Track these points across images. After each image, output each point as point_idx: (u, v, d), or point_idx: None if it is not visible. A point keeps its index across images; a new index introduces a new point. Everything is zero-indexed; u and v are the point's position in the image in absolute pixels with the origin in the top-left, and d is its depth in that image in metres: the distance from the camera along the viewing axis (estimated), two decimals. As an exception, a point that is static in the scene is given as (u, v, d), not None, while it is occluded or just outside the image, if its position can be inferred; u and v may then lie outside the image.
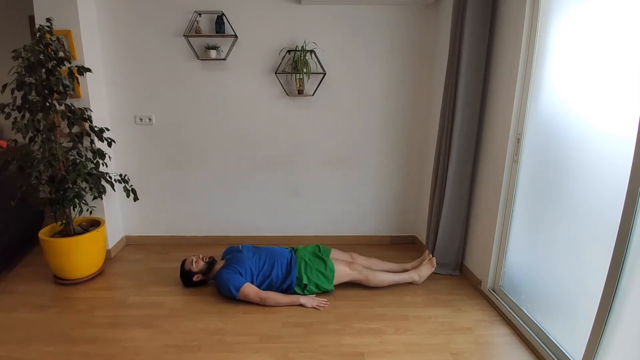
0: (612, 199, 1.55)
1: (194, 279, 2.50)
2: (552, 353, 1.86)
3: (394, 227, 3.39)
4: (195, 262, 2.51)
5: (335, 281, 2.48)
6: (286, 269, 2.46)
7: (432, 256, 2.69)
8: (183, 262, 2.56)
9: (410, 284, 2.62)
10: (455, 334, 2.12)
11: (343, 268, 2.50)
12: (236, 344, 2.02)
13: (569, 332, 1.82)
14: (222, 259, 2.62)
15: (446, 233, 2.72)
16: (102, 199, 2.75)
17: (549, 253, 1.99)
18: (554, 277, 1.95)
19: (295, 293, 2.45)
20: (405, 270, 2.67)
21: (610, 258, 1.51)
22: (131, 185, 2.72)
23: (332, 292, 2.50)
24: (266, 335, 2.09)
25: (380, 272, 2.58)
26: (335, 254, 2.66)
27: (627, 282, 1.47)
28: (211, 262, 2.54)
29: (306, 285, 2.44)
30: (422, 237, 3.21)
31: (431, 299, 2.46)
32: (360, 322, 2.22)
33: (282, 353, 1.95)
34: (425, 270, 2.62)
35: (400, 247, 3.32)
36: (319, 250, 2.61)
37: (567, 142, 1.86)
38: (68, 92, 2.42)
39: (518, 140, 2.19)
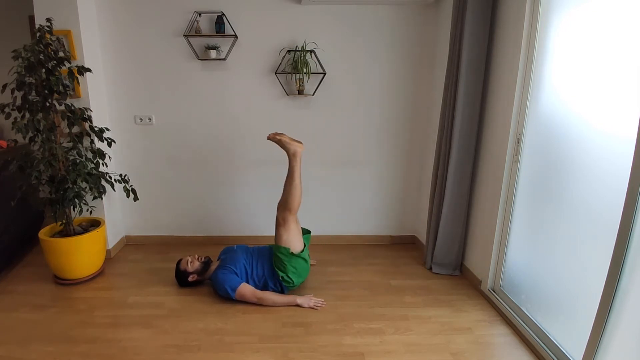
0: (612, 199, 1.55)
1: (189, 279, 2.50)
2: (552, 353, 1.86)
3: (394, 227, 3.39)
4: (191, 262, 2.50)
5: (294, 239, 2.39)
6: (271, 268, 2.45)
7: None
8: (179, 262, 2.56)
9: (410, 283, 2.62)
10: (455, 334, 2.12)
11: (280, 229, 2.42)
12: (236, 344, 2.02)
13: (569, 332, 1.82)
14: (217, 259, 2.62)
15: (446, 233, 2.72)
16: (102, 199, 2.75)
17: (549, 253, 1.99)
18: (554, 277, 1.95)
19: (290, 292, 2.45)
20: None
21: (610, 258, 1.51)
22: (131, 185, 2.72)
23: (332, 292, 2.50)
24: (266, 335, 2.09)
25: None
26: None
27: (627, 282, 1.47)
28: (207, 262, 2.53)
29: (287, 275, 2.39)
30: (422, 237, 3.21)
31: (431, 299, 2.46)
32: (360, 322, 2.22)
33: (282, 353, 1.95)
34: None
35: (400, 247, 3.32)
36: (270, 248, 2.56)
37: (567, 142, 1.86)
38: (68, 92, 2.42)
39: (518, 140, 2.19)
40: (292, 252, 2.39)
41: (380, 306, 2.38)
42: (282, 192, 2.51)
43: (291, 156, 2.47)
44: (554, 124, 1.95)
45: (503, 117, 2.27)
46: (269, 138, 2.51)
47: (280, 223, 2.45)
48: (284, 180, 2.51)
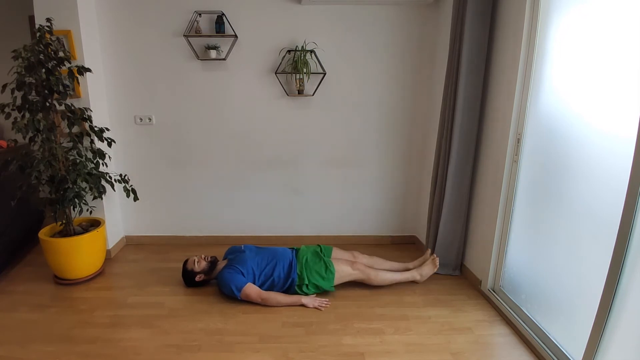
0: (612, 199, 1.55)
1: (197, 278, 2.50)
2: (552, 353, 1.86)
3: (394, 227, 3.39)
4: (198, 262, 2.51)
5: (337, 281, 2.47)
6: (288, 270, 2.46)
7: (435, 255, 2.69)
8: (185, 262, 2.56)
9: (411, 283, 2.62)
10: (455, 334, 2.12)
11: (345, 267, 2.50)
12: (236, 344, 2.02)
13: (569, 332, 1.82)
14: (224, 259, 2.62)
15: (446, 233, 2.72)
16: (102, 199, 2.75)
17: (549, 253, 1.99)
18: (554, 277, 1.95)
19: (296, 293, 2.45)
20: (407, 269, 2.67)
21: (610, 258, 1.51)
22: (131, 185, 2.72)
23: (333, 292, 2.50)
24: (266, 335, 2.09)
25: (383, 271, 2.58)
26: (337, 253, 2.66)
27: (627, 282, 1.47)
28: (213, 262, 2.54)
29: (306, 285, 2.44)
30: (422, 237, 3.21)
31: (431, 299, 2.46)
32: (360, 322, 2.22)
33: (282, 353, 1.95)
34: (427, 269, 2.62)
35: (400, 247, 3.32)
36: (321, 250, 2.61)
37: (567, 142, 1.86)
38: (68, 92, 2.42)
39: (518, 140, 2.19)
40: (333, 276, 2.44)
41: (380, 306, 2.38)
42: (381, 265, 2.68)
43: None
44: (554, 124, 1.95)
45: (503, 117, 2.27)
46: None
47: (353, 264, 2.53)
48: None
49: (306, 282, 2.42)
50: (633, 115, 1.45)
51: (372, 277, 2.51)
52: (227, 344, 2.02)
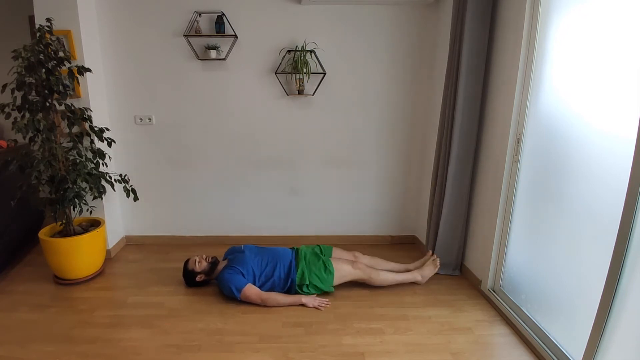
0: (612, 199, 1.55)
1: (197, 279, 2.50)
2: (552, 353, 1.86)
3: (394, 227, 3.39)
4: (198, 262, 2.51)
5: (338, 280, 2.47)
6: (288, 270, 2.46)
7: (436, 256, 2.69)
8: (186, 262, 2.56)
9: (411, 283, 2.62)
10: (455, 334, 2.12)
11: (346, 267, 2.50)
12: (236, 344, 2.02)
13: (569, 332, 1.82)
14: (224, 259, 2.62)
15: (446, 233, 2.72)
16: (102, 199, 2.75)
17: (549, 253, 1.99)
18: (554, 277, 1.95)
19: (297, 293, 2.45)
20: (408, 270, 2.67)
21: (610, 258, 1.51)
22: (131, 185, 2.72)
23: (333, 292, 2.50)
24: (266, 335, 2.09)
25: (383, 271, 2.58)
26: (337, 252, 2.66)
27: (627, 282, 1.47)
28: (214, 262, 2.54)
29: (307, 286, 2.44)
30: (422, 237, 3.21)
31: (431, 299, 2.46)
32: (360, 322, 2.22)
33: (282, 353, 1.95)
34: (428, 270, 2.62)
35: (401, 247, 3.32)
36: (320, 250, 2.61)
37: (567, 142, 1.86)
38: (68, 92, 2.42)
39: (518, 140, 2.19)
40: (332, 276, 2.44)
41: (380, 306, 2.38)
42: (383, 265, 2.69)
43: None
44: (554, 124, 1.95)
45: (503, 117, 2.27)
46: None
47: (354, 263, 2.53)
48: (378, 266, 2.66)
49: (306, 282, 2.42)
50: (633, 115, 1.46)
51: (373, 277, 2.51)
52: (227, 344, 2.02)
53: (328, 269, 2.46)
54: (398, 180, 3.27)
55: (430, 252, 2.75)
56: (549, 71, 1.98)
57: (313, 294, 2.46)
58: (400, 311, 2.33)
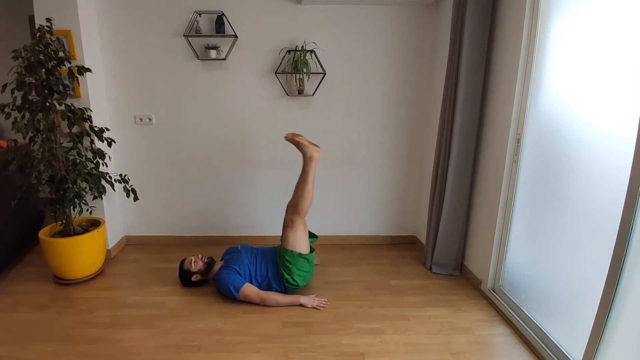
0: (612, 199, 1.55)
1: (193, 279, 2.50)
2: (552, 353, 1.86)
3: (394, 227, 3.39)
4: (194, 262, 2.51)
5: (299, 248, 2.37)
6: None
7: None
8: (182, 262, 2.56)
9: (411, 283, 2.61)
10: (455, 334, 2.12)
11: (290, 235, 2.40)
12: (236, 344, 2.02)
13: (569, 332, 1.82)
14: (221, 260, 2.62)
15: (446, 233, 2.72)
16: (102, 199, 2.75)
17: (549, 253, 1.99)
18: (554, 277, 1.95)
19: (293, 292, 2.45)
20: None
21: (610, 258, 1.51)
22: (131, 185, 2.72)
23: (332, 292, 2.50)
24: (266, 335, 2.09)
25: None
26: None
27: (627, 282, 1.47)
28: (210, 263, 2.54)
29: (292, 278, 2.39)
30: (422, 237, 3.21)
31: (431, 299, 2.46)
32: (360, 322, 2.22)
33: (282, 353, 1.95)
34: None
35: (400, 247, 3.32)
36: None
37: (567, 142, 1.86)
38: (68, 92, 2.42)
39: (518, 140, 2.19)
40: (299, 254, 2.38)
41: (380, 306, 2.38)
42: (292, 193, 2.48)
43: (307, 159, 2.43)
44: (554, 124, 1.95)
45: (503, 117, 2.27)
46: (286, 138, 2.47)
47: (287, 224, 2.43)
48: (296, 182, 2.48)
49: (287, 277, 2.38)
50: (633, 115, 1.46)
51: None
52: (227, 344, 2.02)
53: (292, 252, 2.37)
54: (398, 180, 3.27)
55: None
56: (549, 71, 1.98)
57: (297, 285, 2.41)
58: (400, 311, 2.33)
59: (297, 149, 2.45)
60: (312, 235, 2.63)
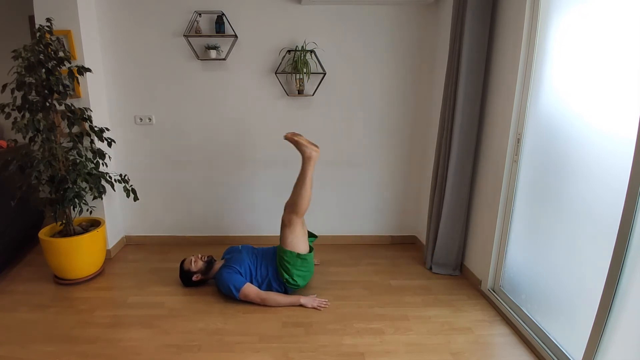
0: (612, 199, 1.55)
1: (193, 278, 2.50)
2: (552, 353, 1.86)
3: (394, 227, 3.39)
4: (194, 261, 2.51)
5: (298, 248, 2.37)
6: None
7: None
8: (182, 262, 2.56)
9: (411, 284, 2.61)
10: (455, 334, 2.12)
11: (288, 234, 2.39)
12: (236, 344, 2.02)
13: (569, 332, 1.82)
14: (221, 259, 2.62)
15: (446, 233, 2.72)
16: (102, 199, 2.75)
17: (549, 253, 1.99)
18: (554, 277, 1.95)
19: (293, 292, 2.45)
20: None
21: (610, 258, 1.51)
22: (131, 185, 2.72)
23: (333, 292, 2.50)
24: (266, 335, 2.09)
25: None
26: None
27: (627, 282, 1.47)
28: (210, 262, 2.54)
29: (292, 278, 2.39)
30: (422, 237, 3.21)
31: (431, 299, 2.46)
32: (360, 322, 2.22)
33: (282, 353, 1.95)
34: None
35: (400, 247, 3.32)
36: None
37: (567, 142, 1.86)
38: (68, 92, 2.42)
39: (518, 140, 2.19)
40: (298, 254, 2.37)
41: (380, 306, 2.38)
42: (291, 193, 2.47)
43: (306, 159, 2.42)
44: (554, 124, 1.95)
45: (503, 117, 2.27)
46: (286, 137, 2.47)
47: (286, 224, 2.42)
48: (294, 182, 2.47)
49: (286, 277, 2.38)
50: (633, 115, 1.46)
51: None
52: (227, 344, 2.02)
53: (291, 252, 2.36)
54: (398, 180, 3.27)
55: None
56: (549, 71, 1.98)
57: (297, 284, 2.41)
58: (400, 311, 2.33)
59: (296, 148, 2.46)
60: (311, 235, 2.64)
